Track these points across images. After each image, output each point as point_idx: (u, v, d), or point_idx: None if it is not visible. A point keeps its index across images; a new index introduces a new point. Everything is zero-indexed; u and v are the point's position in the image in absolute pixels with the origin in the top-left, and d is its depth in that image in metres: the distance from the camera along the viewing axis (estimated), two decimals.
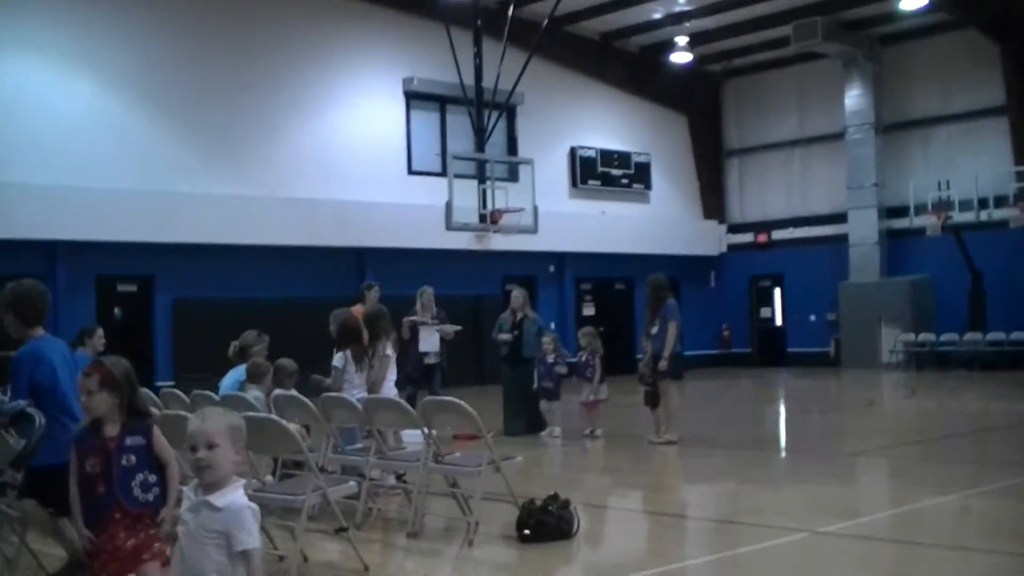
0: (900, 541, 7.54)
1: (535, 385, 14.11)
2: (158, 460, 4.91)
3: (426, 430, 8.07)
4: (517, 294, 14.73)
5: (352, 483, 7.45)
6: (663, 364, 12.70)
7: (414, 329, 14.02)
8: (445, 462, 8.07)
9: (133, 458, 4.76)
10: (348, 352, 9.60)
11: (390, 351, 10.09)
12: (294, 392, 8.96)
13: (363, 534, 7.84)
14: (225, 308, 20.11)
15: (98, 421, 4.82)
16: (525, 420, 14.29)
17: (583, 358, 13.95)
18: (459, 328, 14.56)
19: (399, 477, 9.23)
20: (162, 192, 20.08)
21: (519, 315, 14.54)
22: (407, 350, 13.66)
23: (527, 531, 7.47)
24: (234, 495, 3.72)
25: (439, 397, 8.96)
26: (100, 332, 11.42)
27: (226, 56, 21.53)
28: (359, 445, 9.14)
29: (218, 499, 3.69)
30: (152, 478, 4.81)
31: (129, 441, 4.79)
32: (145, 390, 9.98)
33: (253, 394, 9.05)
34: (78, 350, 11.03)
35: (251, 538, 3.65)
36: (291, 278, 21.93)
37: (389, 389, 9.96)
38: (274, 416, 7.48)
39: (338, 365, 9.56)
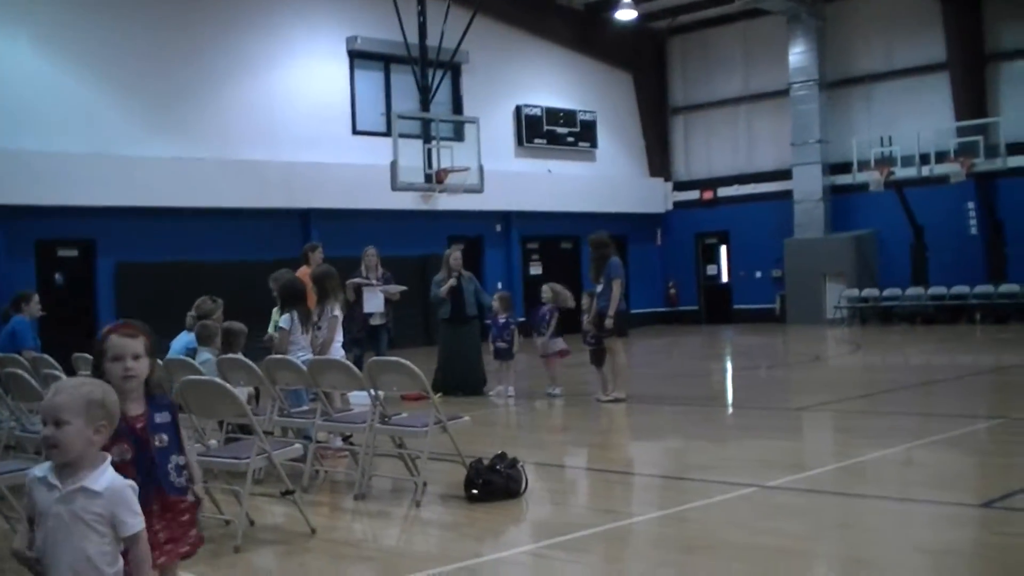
0: (846, 494, 7.61)
1: (491, 346, 14.05)
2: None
3: (372, 391, 8.01)
4: (457, 252, 14.58)
5: (298, 445, 7.38)
6: (609, 322, 12.70)
7: (358, 290, 13.90)
8: (391, 423, 8.02)
9: (165, 437, 4.11)
10: (294, 313, 9.50)
11: (338, 312, 10.01)
12: (240, 355, 8.85)
13: (310, 497, 7.78)
14: (169, 272, 19.90)
15: None
16: (472, 379, 14.25)
17: (542, 311, 13.93)
18: (404, 288, 14.44)
19: (346, 439, 9.17)
20: (103, 155, 19.73)
21: (455, 274, 14.35)
22: (352, 312, 13.55)
23: (475, 491, 7.45)
24: (109, 476, 3.34)
25: (385, 358, 8.89)
26: (36, 298, 11.20)
27: (168, 15, 21.14)
28: (306, 407, 9.06)
29: (94, 482, 3.29)
30: (182, 460, 4.16)
31: (158, 418, 4.12)
32: (87, 355, 9.90)
33: (204, 356, 8.94)
34: (14, 316, 10.84)
35: (138, 519, 3.33)
36: (236, 240, 21.71)
37: (337, 350, 9.88)
38: (218, 379, 7.37)
39: (284, 326, 9.46)
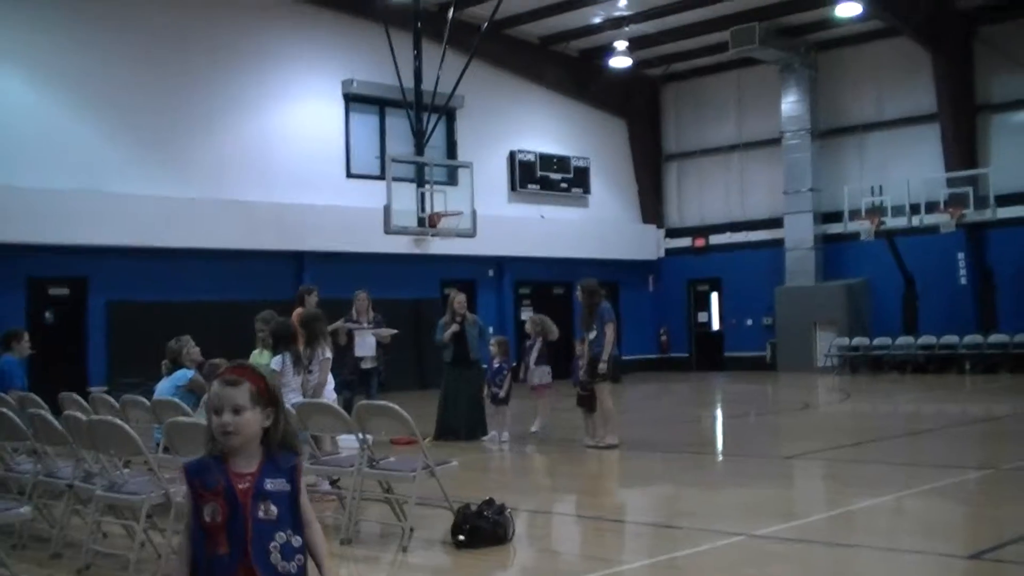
0: (835, 543, 7.57)
1: (487, 390, 14.02)
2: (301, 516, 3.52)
3: (361, 435, 7.98)
4: (462, 297, 14.56)
5: None
6: (603, 367, 12.69)
7: (350, 333, 13.90)
8: (379, 467, 7.99)
9: (274, 509, 3.38)
10: (287, 355, 9.49)
11: (329, 354, 10.00)
12: None
13: None
14: (161, 311, 19.85)
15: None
16: (471, 424, 14.20)
17: (527, 344, 13.95)
18: (395, 332, 14.43)
19: (333, 482, 9.12)
20: (96, 192, 19.75)
21: (459, 318, 14.34)
22: (343, 355, 13.54)
23: (462, 536, 7.40)
24: None
25: (374, 401, 8.87)
26: (26, 336, 11.12)
27: (163, 55, 21.23)
28: None
29: None
30: (297, 541, 3.44)
31: (270, 484, 3.40)
32: (74, 395, 9.87)
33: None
34: (3, 355, 10.77)
35: None
36: (228, 281, 21.67)
37: (329, 393, 9.86)
38: (202, 420, 7.33)
39: (276, 368, 9.44)
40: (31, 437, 7.84)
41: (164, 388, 9.65)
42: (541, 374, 13.90)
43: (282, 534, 3.39)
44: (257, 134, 22.61)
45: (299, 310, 12.19)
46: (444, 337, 14.19)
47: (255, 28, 22.75)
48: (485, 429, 14.14)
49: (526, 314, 27.33)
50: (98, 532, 7.42)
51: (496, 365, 13.99)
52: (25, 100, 19.55)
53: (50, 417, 7.78)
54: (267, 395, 3.46)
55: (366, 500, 8.29)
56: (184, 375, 9.66)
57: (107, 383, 19.07)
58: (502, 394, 13.87)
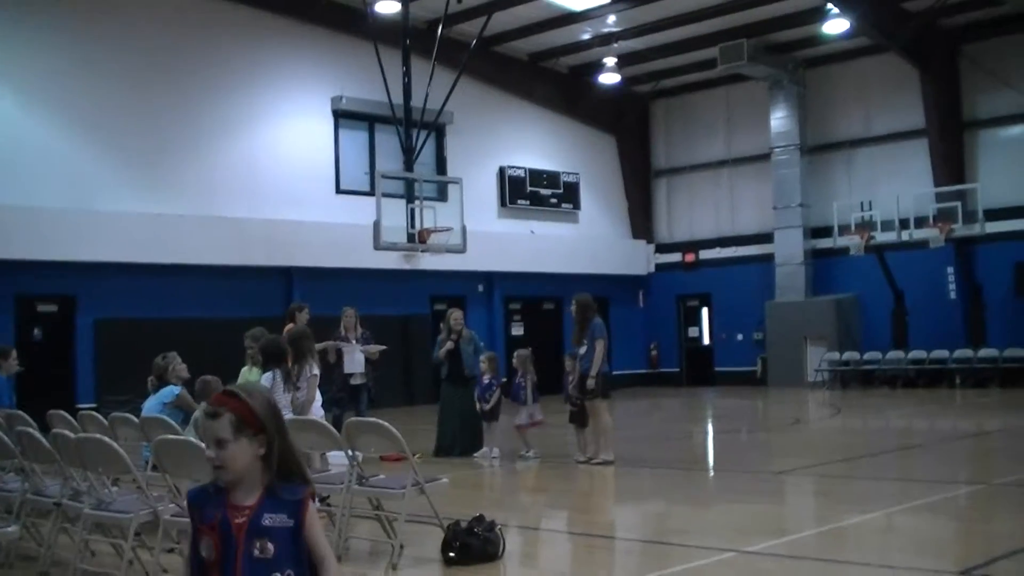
0: (826, 559, 7.56)
1: (482, 406, 13.97)
2: (310, 553, 3.20)
3: (350, 451, 7.95)
4: (458, 314, 14.61)
5: None
6: (591, 383, 12.67)
7: (339, 350, 13.88)
8: (369, 484, 7.96)
9: (271, 548, 3.09)
10: (276, 372, 9.46)
11: (316, 371, 9.96)
12: None
13: None
14: (150, 329, 19.76)
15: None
16: (465, 440, 14.19)
17: (516, 380, 13.88)
18: (384, 348, 14.42)
19: (323, 499, 9.07)
20: (84, 210, 19.70)
21: (453, 336, 14.37)
22: (332, 371, 13.52)
23: (452, 553, 7.38)
24: None
25: (363, 418, 8.84)
26: (14, 354, 11.05)
27: (152, 73, 21.21)
28: None
29: None
30: None
31: (268, 520, 3.11)
32: (62, 412, 9.82)
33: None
34: None
35: None
36: (218, 298, 21.62)
37: (317, 410, 9.81)
38: (193, 439, 7.31)
39: (266, 385, 9.40)
40: (19, 455, 7.80)
41: (151, 405, 9.61)
42: (536, 411, 13.81)
43: (279, 575, 3.09)
44: (246, 150, 22.60)
45: (290, 326, 12.16)
46: (439, 354, 14.29)
47: (245, 45, 22.75)
48: (479, 445, 14.11)
49: (516, 329, 27.55)
50: (86, 550, 7.37)
51: (486, 381, 13.96)
52: (14, 118, 19.51)
53: (38, 435, 7.74)
54: (255, 422, 3.12)
55: (356, 517, 8.26)
56: (171, 392, 9.62)
57: (95, 400, 19.01)
58: (488, 407, 13.83)
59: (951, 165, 25.20)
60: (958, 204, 24.26)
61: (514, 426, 13.99)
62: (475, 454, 13.96)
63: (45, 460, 7.68)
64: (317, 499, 8.95)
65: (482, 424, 14.10)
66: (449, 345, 14.20)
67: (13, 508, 7.96)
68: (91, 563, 7.41)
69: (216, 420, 3.12)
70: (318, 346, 11.91)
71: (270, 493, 3.13)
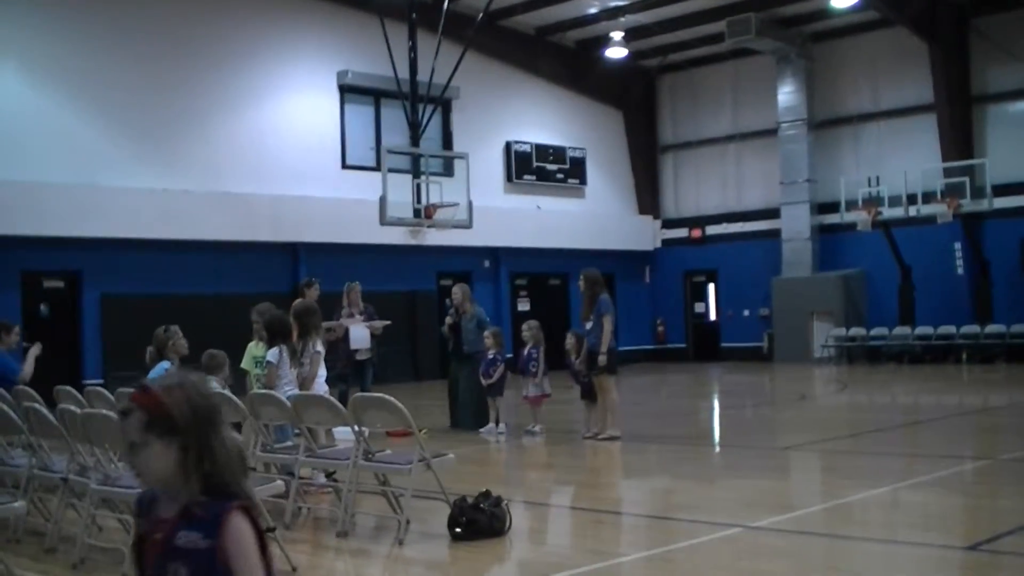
0: (832, 535, 7.56)
1: (485, 381, 13.98)
2: None
3: (356, 427, 7.95)
4: (456, 290, 14.68)
5: (279, 482, 7.32)
6: (602, 359, 12.65)
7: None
8: (375, 460, 7.95)
9: (183, 572, 2.58)
10: (283, 348, 9.46)
11: (320, 347, 9.96)
12: (225, 390, 8.79)
13: (292, 534, 7.70)
14: (155, 305, 19.72)
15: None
16: (470, 415, 14.24)
17: (526, 352, 13.83)
18: (387, 323, 14.46)
19: (329, 475, 9.10)
20: (90, 186, 19.69)
21: (460, 311, 14.45)
22: (337, 347, 13.52)
23: (459, 529, 7.38)
24: None
25: (369, 394, 8.83)
26: (16, 329, 11.02)
27: (158, 48, 21.14)
28: (290, 443, 8.99)
29: None
30: None
31: (182, 539, 2.59)
32: (69, 388, 9.83)
33: (213, 387, 8.86)
34: None
35: None
36: (223, 273, 21.63)
37: (320, 386, 9.82)
38: None
39: (272, 360, 9.40)
40: (26, 431, 7.81)
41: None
42: (544, 384, 13.77)
43: None
44: (252, 126, 22.55)
45: (297, 301, 12.17)
46: (444, 329, 14.51)
47: (250, 20, 22.66)
48: (483, 420, 14.12)
49: (523, 305, 27.54)
50: (93, 525, 7.39)
51: (490, 356, 13.95)
52: (20, 94, 19.46)
53: (45, 411, 7.75)
54: (166, 421, 2.58)
55: (362, 493, 8.27)
56: (162, 367, 9.58)
57: (102, 377, 19.04)
58: (491, 382, 13.82)
59: (959, 140, 25.08)
60: (966, 179, 24.15)
61: (522, 398, 13.97)
62: (480, 429, 13.97)
63: (52, 436, 7.69)
64: (323, 475, 9.01)
65: (487, 400, 14.12)
66: (448, 320, 14.40)
67: (20, 484, 7.98)
68: (98, 538, 7.43)
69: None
70: (326, 324, 11.94)
71: (188, 507, 2.60)
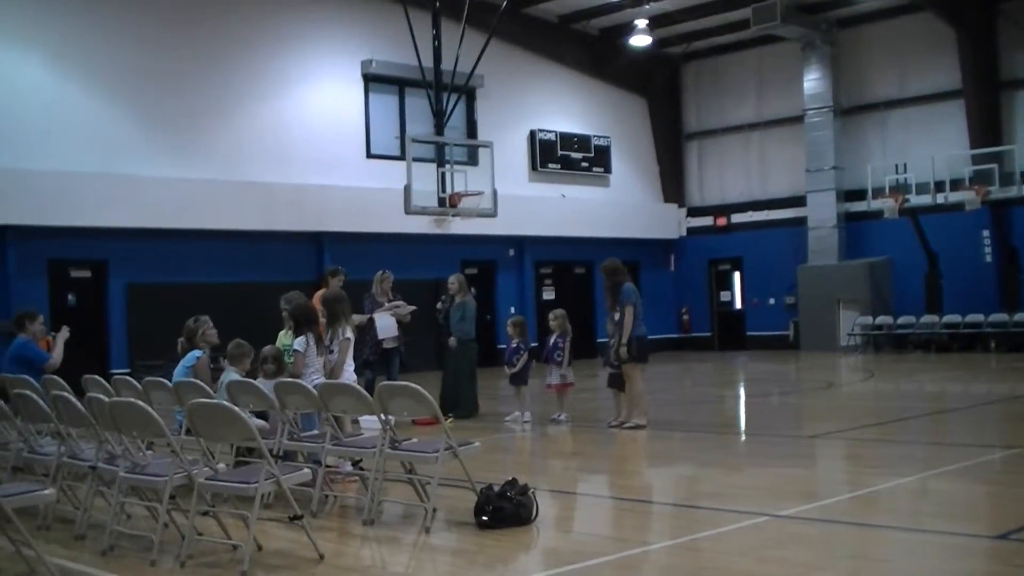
0: (858, 524, 7.52)
1: (508, 371, 14.01)
2: None
3: (383, 416, 7.96)
4: (452, 279, 14.78)
5: (306, 470, 7.34)
6: (623, 350, 12.62)
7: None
8: (402, 448, 7.97)
9: None
10: (309, 336, 9.49)
11: (350, 334, 9.99)
12: (247, 378, 8.83)
13: (318, 522, 7.73)
14: (180, 293, 19.90)
15: None
16: (450, 401, 14.27)
17: (552, 340, 13.81)
18: (414, 308, 14.52)
19: (355, 463, 9.12)
20: (116, 175, 19.79)
21: (456, 299, 14.55)
22: (364, 335, 13.56)
23: (485, 517, 7.39)
24: None
25: (395, 382, 8.85)
26: (41, 318, 11.08)
27: (182, 37, 21.23)
28: (316, 431, 9.02)
29: None
30: None
31: None
32: (96, 377, 9.90)
33: (231, 376, 8.91)
34: (18, 336, 10.74)
35: None
36: (248, 263, 21.72)
37: (348, 374, 9.85)
38: (227, 402, 7.35)
39: (299, 349, 9.45)
40: (55, 419, 7.87)
41: (178, 370, 9.64)
42: (569, 373, 13.76)
43: None
44: (276, 115, 22.61)
45: (322, 291, 12.23)
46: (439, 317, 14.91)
47: (275, 10, 22.71)
48: (464, 407, 14.28)
49: (548, 294, 27.53)
50: (122, 513, 7.44)
51: (513, 345, 13.96)
52: (44, 83, 19.57)
53: (73, 399, 7.80)
54: None
55: (389, 481, 8.29)
56: (193, 356, 9.64)
57: (128, 366, 19.16)
58: (515, 371, 13.84)
59: (987, 126, 24.86)
60: (994, 166, 23.96)
61: (545, 386, 13.97)
62: (506, 418, 13.94)
63: (80, 424, 7.75)
64: (350, 463, 9.04)
65: (466, 390, 14.40)
66: (438, 306, 14.82)
67: (50, 472, 8.04)
68: (127, 525, 7.48)
69: None
70: (356, 318, 12.00)
71: None
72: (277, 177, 21.96)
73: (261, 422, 8.49)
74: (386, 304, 14.14)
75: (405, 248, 23.22)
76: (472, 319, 14.58)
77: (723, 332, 30.16)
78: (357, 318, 13.50)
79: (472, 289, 15.99)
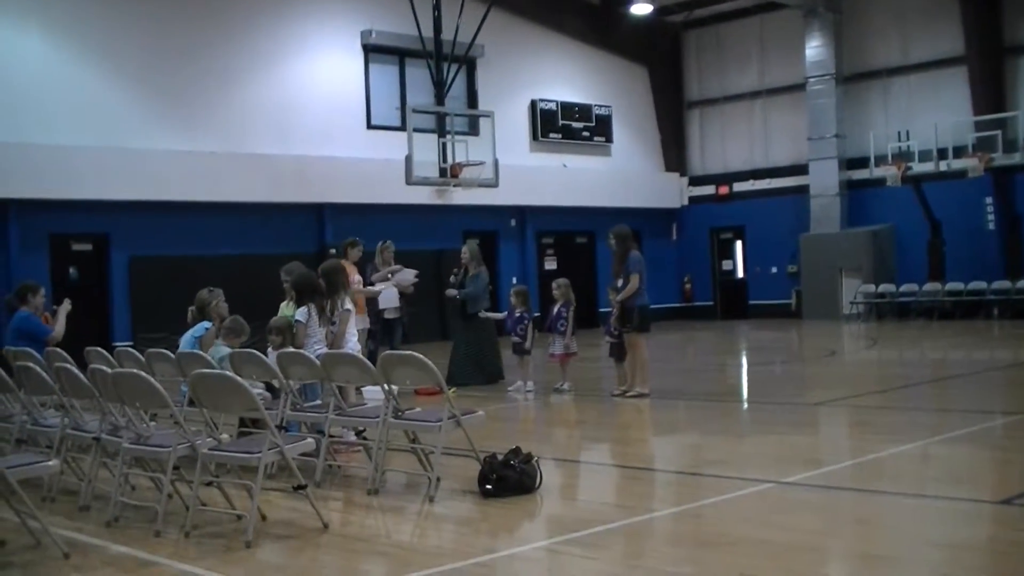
0: (862, 490, 7.54)
1: (512, 340, 14.00)
2: None
3: (386, 385, 7.96)
4: (465, 249, 14.69)
5: (310, 440, 7.34)
6: (626, 319, 12.63)
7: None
8: (405, 417, 7.97)
9: None
10: (311, 306, 9.47)
11: (349, 305, 9.96)
12: (253, 351, 8.82)
13: (323, 491, 7.74)
14: (182, 266, 19.90)
15: None
16: (478, 373, 14.31)
17: (555, 310, 13.78)
18: (416, 272, 14.52)
19: (359, 433, 9.13)
20: (117, 148, 19.75)
21: (469, 270, 14.48)
22: (367, 306, 13.55)
23: (489, 486, 7.40)
24: None
25: (398, 352, 8.84)
26: (42, 291, 11.03)
27: (182, 10, 21.14)
28: (319, 401, 9.02)
29: None
30: None
31: None
32: (99, 349, 9.90)
33: (223, 352, 8.89)
34: (19, 309, 10.70)
35: None
36: (250, 235, 21.71)
37: (352, 344, 9.83)
38: (230, 373, 7.34)
39: (301, 319, 9.43)
40: (58, 391, 7.86)
41: (185, 338, 9.62)
42: (572, 343, 13.74)
43: None
44: (276, 87, 22.53)
45: (343, 262, 12.18)
46: (447, 294, 14.82)
47: None
48: (486, 376, 14.41)
49: (550, 264, 27.51)
50: (126, 485, 7.45)
51: (517, 314, 13.94)
52: (44, 57, 19.50)
53: (76, 371, 7.79)
54: None
55: (392, 450, 8.29)
56: (202, 327, 9.62)
57: (131, 339, 19.18)
58: (527, 345, 13.83)
59: (991, 93, 24.74)
60: (998, 133, 23.88)
61: (549, 356, 13.97)
62: (509, 387, 13.97)
63: (84, 396, 7.74)
64: (353, 432, 9.04)
65: (490, 361, 14.42)
66: (452, 279, 14.60)
67: (54, 443, 8.05)
68: (131, 496, 7.49)
69: None
70: (367, 291, 11.99)
71: None
72: (278, 149, 21.91)
73: (264, 392, 8.48)
74: (388, 275, 14.11)
75: (407, 219, 23.19)
76: (485, 291, 14.56)
77: (725, 301, 30.15)
78: (369, 290, 13.58)
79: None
